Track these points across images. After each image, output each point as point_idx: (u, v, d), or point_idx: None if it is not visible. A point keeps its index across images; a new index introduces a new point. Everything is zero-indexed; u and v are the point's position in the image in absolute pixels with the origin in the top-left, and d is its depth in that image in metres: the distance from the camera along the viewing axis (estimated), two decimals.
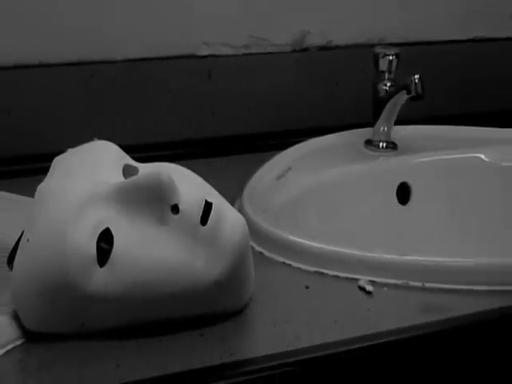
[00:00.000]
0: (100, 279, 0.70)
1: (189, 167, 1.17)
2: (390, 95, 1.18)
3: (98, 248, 0.71)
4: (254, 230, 0.85)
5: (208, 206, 0.74)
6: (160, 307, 0.73)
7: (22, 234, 0.77)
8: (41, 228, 0.72)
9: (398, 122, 1.22)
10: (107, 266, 0.71)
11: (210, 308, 0.76)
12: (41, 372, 0.70)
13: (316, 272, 0.88)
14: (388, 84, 1.19)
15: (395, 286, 0.86)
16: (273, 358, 0.73)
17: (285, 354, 0.73)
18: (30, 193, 0.98)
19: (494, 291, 0.84)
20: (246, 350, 0.74)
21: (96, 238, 0.71)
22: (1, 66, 1.13)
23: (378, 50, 1.20)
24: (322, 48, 1.33)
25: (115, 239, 0.72)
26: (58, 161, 0.83)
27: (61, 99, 1.17)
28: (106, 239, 0.72)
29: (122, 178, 0.78)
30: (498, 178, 1.20)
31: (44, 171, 1.10)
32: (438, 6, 1.40)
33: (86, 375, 0.69)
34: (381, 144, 1.22)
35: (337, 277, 0.87)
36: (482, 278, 0.85)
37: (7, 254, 0.79)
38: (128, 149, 1.19)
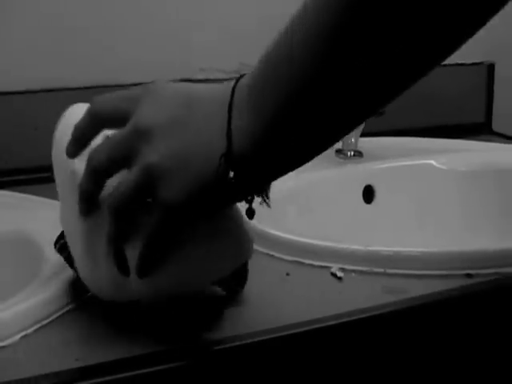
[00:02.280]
0: None
1: None
2: None
3: None
4: None
5: None
6: None
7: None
8: None
9: (364, 134, 1.21)
10: None
11: None
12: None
13: (295, 261, 0.87)
14: None
15: (362, 272, 0.85)
16: (255, 335, 0.71)
17: (267, 331, 0.72)
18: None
19: (445, 275, 0.83)
20: (229, 327, 0.73)
21: None
22: (31, 90, 1.12)
23: None
24: None
25: None
26: None
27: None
28: None
29: None
30: (446, 180, 1.19)
31: None
32: None
33: None
34: (349, 153, 1.21)
35: (312, 265, 0.86)
36: (435, 265, 0.85)
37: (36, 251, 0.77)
38: None
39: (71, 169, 0.65)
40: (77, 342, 0.69)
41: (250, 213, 0.66)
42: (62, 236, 0.74)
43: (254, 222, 0.91)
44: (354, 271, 0.85)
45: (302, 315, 0.75)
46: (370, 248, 0.87)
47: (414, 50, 0.54)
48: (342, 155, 1.22)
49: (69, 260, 0.73)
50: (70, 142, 0.64)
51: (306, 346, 0.74)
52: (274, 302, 0.78)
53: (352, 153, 1.21)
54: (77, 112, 0.69)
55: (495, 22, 1.49)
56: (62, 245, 0.74)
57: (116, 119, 0.62)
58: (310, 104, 0.56)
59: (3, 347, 0.67)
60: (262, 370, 0.71)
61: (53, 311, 0.73)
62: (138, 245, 0.62)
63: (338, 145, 1.22)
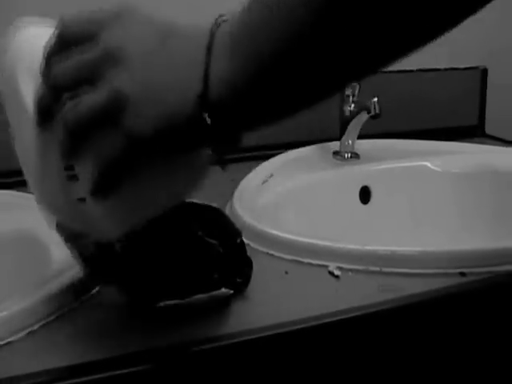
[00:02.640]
0: None
1: None
2: (353, 115, 1.18)
3: None
4: (242, 226, 0.84)
5: None
6: None
7: None
8: None
9: (361, 137, 1.22)
10: None
11: None
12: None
13: (293, 260, 0.87)
14: (352, 106, 1.19)
15: (358, 270, 0.84)
16: (256, 332, 0.71)
17: (268, 327, 0.72)
18: None
19: (438, 274, 0.83)
20: (232, 324, 0.73)
21: None
22: None
23: None
24: None
25: None
26: None
27: None
28: None
29: None
30: (440, 181, 1.19)
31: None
32: None
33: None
34: (346, 155, 1.22)
35: (310, 264, 0.86)
36: (429, 264, 0.84)
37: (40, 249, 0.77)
38: None
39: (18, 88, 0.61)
40: (81, 339, 0.69)
41: (222, 162, 0.64)
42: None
43: (254, 222, 0.92)
44: (350, 270, 0.85)
45: (300, 312, 0.75)
46: (367, 247, 0.87)
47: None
48: (339, 157, 1.22)
49: (68, 239, 0.71)
50: (44, 67, 0.59)
51: (304, 342, 0.74)
52: (273, 300, 0.78)
53: (349, 155, 1.22)
54: (31, 36, 0.64)
55: (488, 29, 1.50)
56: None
57: (84, 41, 0.57)
58: (299, 58, 0.52)
59: (10, 343, 0.67)
60: (263, 364, 0.71)
61: (57, 308, 0.73)
62: (91, 166, 0.57)
63: (336, 147, 1.22)
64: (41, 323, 0.70)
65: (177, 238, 0.75)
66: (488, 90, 1.50)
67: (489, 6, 1.47)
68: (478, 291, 0.82)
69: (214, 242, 0.76)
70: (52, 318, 0.71)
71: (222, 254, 0.76)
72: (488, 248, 0.86)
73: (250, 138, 1.29)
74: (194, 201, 0.80)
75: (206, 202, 0.81)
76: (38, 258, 0.77)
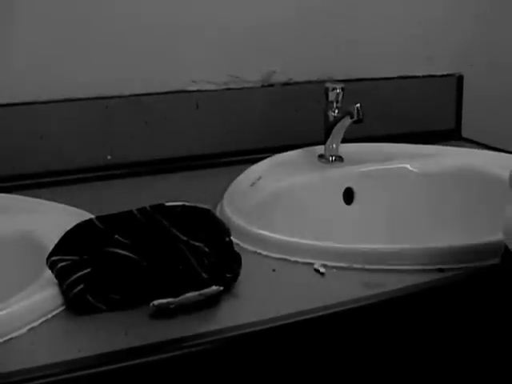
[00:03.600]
0: None
1: (182, 178, 1.18)
2: (337, 120, 1.18)
3: None
4: (232, 226, 0.85)
5: None
6: None
7: (64, 236, 0.74)
8: None
9: (344, 141, 1.22)
10: None
11: None
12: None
13: (280, 258, 0.87)
14: (336, 111, 1.19)
15: (342, 268, 0.85)
16: (246, 327, 0.72)
17: (256, 322, 0.72)
18: (62, 200, 0.98)
19: (417, 270, 0.84)
20: (223, 319, 0.73)
21: None
22: (36, 101, 1.12)
23: (328, 85, 1.20)
24: (285, 84, 1.32)
25: None
26: None
27: (81, 126, 1.15)
28: None
29: None
30: (420, 182, 1.19)
31: (71, 182, 1.11)
32: (374, 51, 1.40)
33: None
34: (330, 158, 1.21)
35: (297, 262, 0.87)
36: (410, 260, 0.85)
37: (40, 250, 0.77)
38: (136, 164, 1.20)
39: None
40: (80, 334, 0.69)
41: None
42: (53, 253, 0.75)
43: (243, 223, 0.92)
44: (335, 267, 0.85)
45: (287, 308, 0.75)
46: (350, 245, 0.88)
47: None
48: (324, 160, 1.22)
49: (58, 277, 0.73)
50: None
51: (292, 337, 0.74)
52: (262, 296, 0.79)
53: (333, 158, 1.22)
54: None
55: (465, 37, 1.51)
56: (52, 262, 0.74)
57: None
58: None
59: (12, 339, 0.67)
60: (253, 358, 0.72)
61: (57, 306, 0.73)
62: None
63: (321, 150, 1.22)
64: (41, 320, 0.71)
65: (164, 242, 0.76)
66: (464, 96, 1.50)
67: (464, 16, 1.50)
68: (456, 286, 0.83)
69: (199, 244, 0.77)
70: (51, 315, 0.72)
71: (209, 254, 0.77)
72: (465, 244, 0.86)
73: (238, 143, 1.30)
74: (186, 203, 0.80)
75: (197, 204, 0.81)
76: (39, 259, 0.77)
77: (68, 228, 0.76)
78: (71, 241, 0.76)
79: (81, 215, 0.86)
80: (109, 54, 1.17)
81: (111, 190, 1.11)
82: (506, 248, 0.69)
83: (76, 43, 1.14)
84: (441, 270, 0.84)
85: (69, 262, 0.74)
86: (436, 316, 0.82)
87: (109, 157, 1.17)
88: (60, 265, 0.74)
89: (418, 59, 1.46)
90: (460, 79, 1.50)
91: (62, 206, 0.97)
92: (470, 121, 1.50)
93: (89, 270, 0.74)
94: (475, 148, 1.34)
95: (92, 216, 0.79)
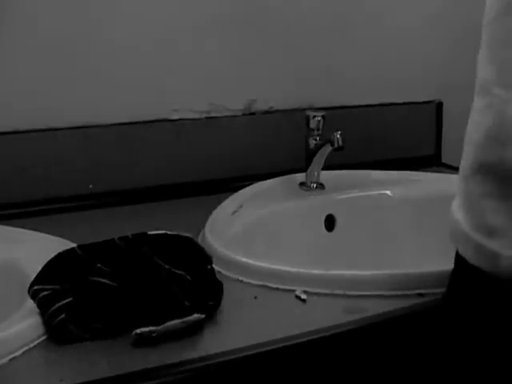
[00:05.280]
0: None
1: (164, 207, 1.19)
2: (318, 147, 1.20)
3: None
4: (214, 254, 0.86)
5: None
6: None
7: (45, 265, 0.75)
8: None
9: (325, 168, 1.24)
10: None
11: None
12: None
13: (262, 285, 0.89)
14: (317, 139, 1.21)
15: (324, 294, 0.86)
16: (228, 354, 0.73)
17: (239, 349, 0.74)
18: (46, 229, 0.99)
19: (398, 295, 0.86)
20: (204, 347, 0.74)
21: None
22: (19, 131, 1.13)
23: (309, 112, 1.23)
24: (266, 112, 1.34)
25: None
26: None
27: (64, 155, 1.17)
28: None
29: None
30: (400, 208, 1.21)
31: (54, 212, 1.11)
32: (354, 79, 1.43)
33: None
34: (312, 185, 1.23)
35: (278, 289, 0.88)
36: (390, 286, 0.87)
37: (23, 279, 0.78)
38: (119, 193, 1.21)
39: None
40: (61, 364, 0.70)
41: None
42: (35, 282, 0.76)
43: (224, 251, 0.94)
44: (316, 293, 0.86)
45: (269, 335, 0.76)
46: (331, 272, 0.89)
47: None
48: (305, 187, 1.24)
49: (40, 306, 0.74)
50: None
51: (275, 363, 0.75)
52: (244, 324, 0.80)
53: (314, 185, 1.23)
54: None
55: (443, 64, 1.54)
56: (34, 291, 0.75)
57: None
58: None
59: None
60: None
61: (39, 335, 0.74)
62: None
63: (302, 178, 1.24)
64: (23, 350, 0.71)
65: (146, 270, 0.77)
66: (444, 122, 1.53)
67: (442, 43, 1.52)
68: (435, 310, 0.84)
69: (180, 272, 0.78)
70: (33, 344, 0.73)
71: (190, 282, 0.78)
72: (443, 269, 0.87)
73: (219, 171, 1.31)
74: (168, 231, 0.82)
75: (179, 232, 0.82)
76: (21, 288, 0.77)
77: (50, 257, 0.77)
78: (53, 270, 0.77)
79: (63, 244, 0.87)
80: (90, 84, 1.18)
81: (94, 220, 1.12)
82: (458, 254, 0.71)
83: (58, 73, 1.16)
84: (421, 295, 0.85)
85: (51, 292, 0.75)
86: (416, 340, 0.83)
87: (91, 186, 1.18)
88: (42, 294, 0.75)
89: (398, 86, 1.49)
90: (439, 106, 1.53)
91: (45, 235, 0.98)
92: (449, 146, 1.52)
93: (71, 299, 0.75)
94: (455, 174, 1.36)
95: (74, 245, 0.80)
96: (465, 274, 0.69)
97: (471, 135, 0.67)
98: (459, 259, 0.70)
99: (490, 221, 0.64)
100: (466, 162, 0.69)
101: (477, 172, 0.66)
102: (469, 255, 0.67)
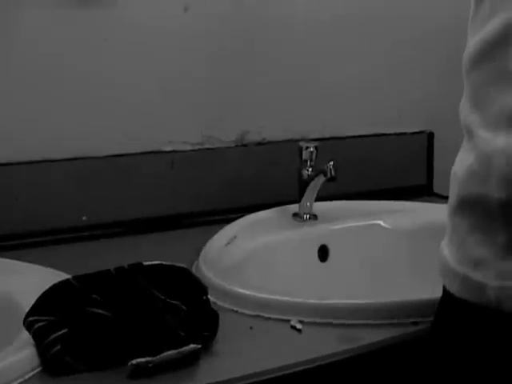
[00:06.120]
0: None
1: (159, 238, 1.20)
2: (311, 178, 1.21)
3: None
4: (208, 285, 0.87)
5: None
6: None
7: (40, 296, 0.76)
8: None
9: (318, 199, 1.25)
10: None
11: None
12: None
13: (257, 315, 0.90)
14: (310, 170, 1.22)
15: (319, 323, 0.87)
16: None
17: (235, 379, 0.74)
18: (40, 261, 1.00)
19: (392, 324, 0.87)
20: (202, 377, 0.75)
21: None
22: (12, 162, 1.14)
23: (302, 143, 1.24)
24: (259, 143, 1.36)
25: None
26: None
27: (57, 187, 1.18)
28: None
29: None
30: (392, 238, 1.22)
31: (48, 243, 1.11)
32: (346, 110, 1.45)
33: None
34: (305, 216, 1.24)
35: (273, 318, 0.89)
36: (385, 314, 0.88)
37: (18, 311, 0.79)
38: (112, 225, 1.21)
39: None
40: None
41: None
42: (30, 313, 0.77)
43: (219, 281, 0.94)
44: (311, 323, 0.87)
45: (265, 364, 0.77)
46: (326, 301, 0.90)
47: None
48: (298, 218, 1.25)
49: (35, 338, 0.75)
50: None
51: None
52: (239, 354, 0.81)
53: (307, 216, 1.24)
54: None
55: (433, 95, 1.56)
56: (29, 323, 0.76)
57: None
58: None
59: None
60: None
61: (34, 366, 0.75)
62: None
63: (295, 209, 1.25)
64: (17, 382, 0.72)
65: (142, 301, 0.78)
66: (435, 151, 1.55)
67: (431, 73, 1.54)
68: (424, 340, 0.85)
69: (176, 302, 0.79)
70: (28, 376, 0.73)
71: (186, 312, 0.79)
72: (437, 297, 0.89)
73: (214, 202, 1.32)
74: (163, 262, 0.83)
75: (174, 263, 0.83)
76: (15, 320, 0.78)
77: (45, 289, 0.78)
78: (48, 301, 0.78)
79: (58, 276, 0.88)
80: (84, 115, 1.20)
81: (88, 251, 1.13)
82: (445, 289, 0.72)
83: (53, 105, 1.18)
84: (415, 323, 0.86)
85: (46, 323, 0.76)
86: (411, 368, 0.84)
87: (84, 218, 1.19)
88: (37, 325, 0.76)
89: (389, 117, 1.51)
90: (430, 136, 1.55)
91: (39, 267, 0.99)
92: (441, 176, 1.54)
93: (66, 330, 0.76)
94: (446, 203, 1.37)
95: (69, 276, 0.81)
96: (451, 308, 0.71)
97: (456, 172, 0.70)
98: (446, 294, 0.72)
99: (475, 253, 0.67)
100: (451, 199, 0.72)
101: (461, 208, 0.69)
102: (455, 288, 0.69)
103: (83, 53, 1.19)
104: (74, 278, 0.79)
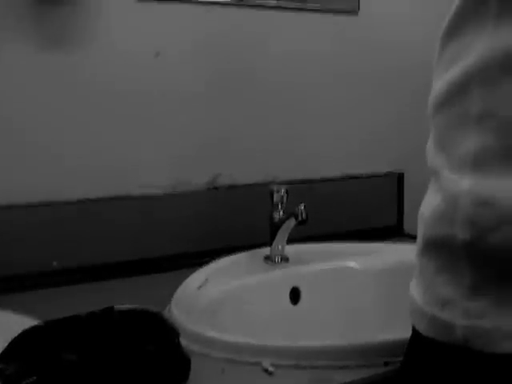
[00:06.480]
0: None
1: (131, 282, 1.20)
2: (282, 221, 1.23)
3: None
4: (180, 328, 0.87)
5: None
6: None
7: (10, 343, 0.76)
8: None
9: (290, 241, 1.26)
10: None
11: None
12: None
13: (229, 359, 0.90)
14: (281, 212, 1.24)
15: (291, 366, 0.88)
16: None
17: None
18: (9, 307, 0.99)
19: (364, 365, 0.87)
20: None
21: None
22: None
23: (273, 187, 1.26)
24: (230, 187, 1.38)
25: None
26: None
27: (27, 231, 1.18)
28: None
29: None
30: (363, 279, 1.24)
31: (18, 289, 1.10)
32: (316, 152, 1.48)
33: None
34: (276, 258, 1.25)
35: (245, 362, 0.89)
36: (356, 355, 0.88)
37: None
38: (83, 270, 1.21)
39: None
40: None
41: None
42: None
43: (191, 325, 0.95)
44: (283, 365, 0.88)
45: None
46: (297, 343, 0.91)
47: None
48: (269, 261, 1.26)
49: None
50: None
51: None
52: None
53: (279, 258, 1.26)
54: None
55: (403, 136, 1.59)
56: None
57: None
58: None
59: None
60: None
61: None
62: None
63: (266, 251, 1.26)
64: None
65: (113, 346, 0.78)
66: (405, 192, 1.58)
67: (400, 116, 1.57)
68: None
69: (148, 347, 0.79)
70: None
71: (157, 356, 0.79)
72: (407, 337, 0.90)
73: (185, 246, 1.33)
74: (135, 306, 0.83)
75: (146, 307, 0.84)
76: None
77: (14, 335, 0.78)
78: (18, 348, 0.77)
79: (28, 321, 0.87)
80: (54, 160, 1.21)
81: (58, 297, 1.13)
82: (414, 329, 0.74)
83: (19, 150, 1.18)
84: (386, 364, 0.87)
85: (15, 370, 0.75)
86: None
87: (55, 263, 1.19)
88: (6, 373, 0.75)
89: (359, 158, 1.54)
90: (400, 177, 1.58)
91: (8, 313, 0.98)
92: (411, 216, 1.56)
93: (35, 377, 0.75)
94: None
95: (40, 322, 0.81)
96: (420, 347, 0.72)
97: (423, 213, 0.72)
98: (414, 334, 0.73)
99: (442, 293, 0.68)
100: (419, 240, 0.73)
101: (428, 248, 0.71)
102: (423, 328, 0.70)
103: (54, 96, 1.20)
104: (44, 323, 0.79)
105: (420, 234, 0.73)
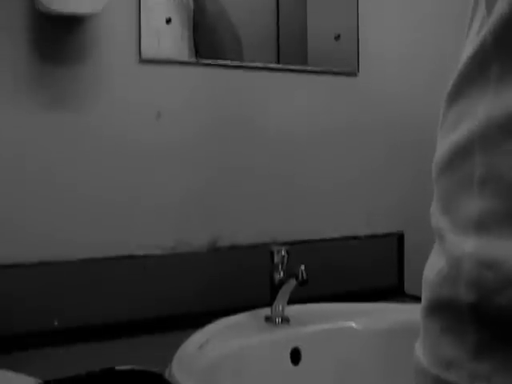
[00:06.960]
0: None
1: (132, 343, 1.20)
2: (282, 282, 1.23)
3: None
4: None
5: None
6: None
7: None
8: None
9: (290, 302, 1.26)
10: None
11: None
12: None
13: None
14: (281, 273, 1.24)
15: None
16: None
17: None
18: (9, 367, 0.99)
19: None
20: None
21: None
22: None
23: (273, 247, 1.27)
24: (231, 248, 1.39)
25: None
26: None
27: (28, 291, 1.18)
28: None
29: None
30: (364, 339, 1.24)
31: (18, 349, 1.09)
32: (317, 213, 1.49)
33: None
34: (277, 319, 1.25)
35: None
36: None
37: None
38: (84, 329, 1.21)
39: None
40: None
41: None
42: None
43: None
44: None
45: None
46: None
47: None
48: (270, 322, 1.25)
49: None
50: None
51: None
52: None
53: (280, 319, 1.25)
54: None
55: (402, 197, 1.60)
56: None
57: None
58: None
59: None
60: None
61: None
62: None
63: (267, 312, 1.26)
64: None
65: None
66: (405, 251, 1.58)
67: (400, 177, 1.58)
68: None
69: None
70: None
71: None
72: None
73: (186, 307, 1.33)
74: (135, 367, 0.84)
75: (147, 368, 0.84)
76: None
77: None
78: None
79: (28, 382, 0.88)
80: (54, 220, 1.23)
81: (59, 356, 1.13)
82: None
83: (18, 208, 1.20)
84: None
85: None
86: None
87: (56, 322, 1.19)
88: None
89: (359, 219, 1.55)
90: (401, 237, 1.59)
91: (8, 372, 0.98)
92: (412, 276, 1.57)
93: None
94: (418, 304, 1.39)
95: (40, 382, 0.81)
96: None
97: (427, 276, 0.73)
98: None
99: (447, 354, 0.69)
100: (423, 302, 0.74)
101: (433, 311, 0.71)
102: None
103: (56, 158, 1.23)
104: (45, 382, 0.80)
105: (424, 295, 0.74)
